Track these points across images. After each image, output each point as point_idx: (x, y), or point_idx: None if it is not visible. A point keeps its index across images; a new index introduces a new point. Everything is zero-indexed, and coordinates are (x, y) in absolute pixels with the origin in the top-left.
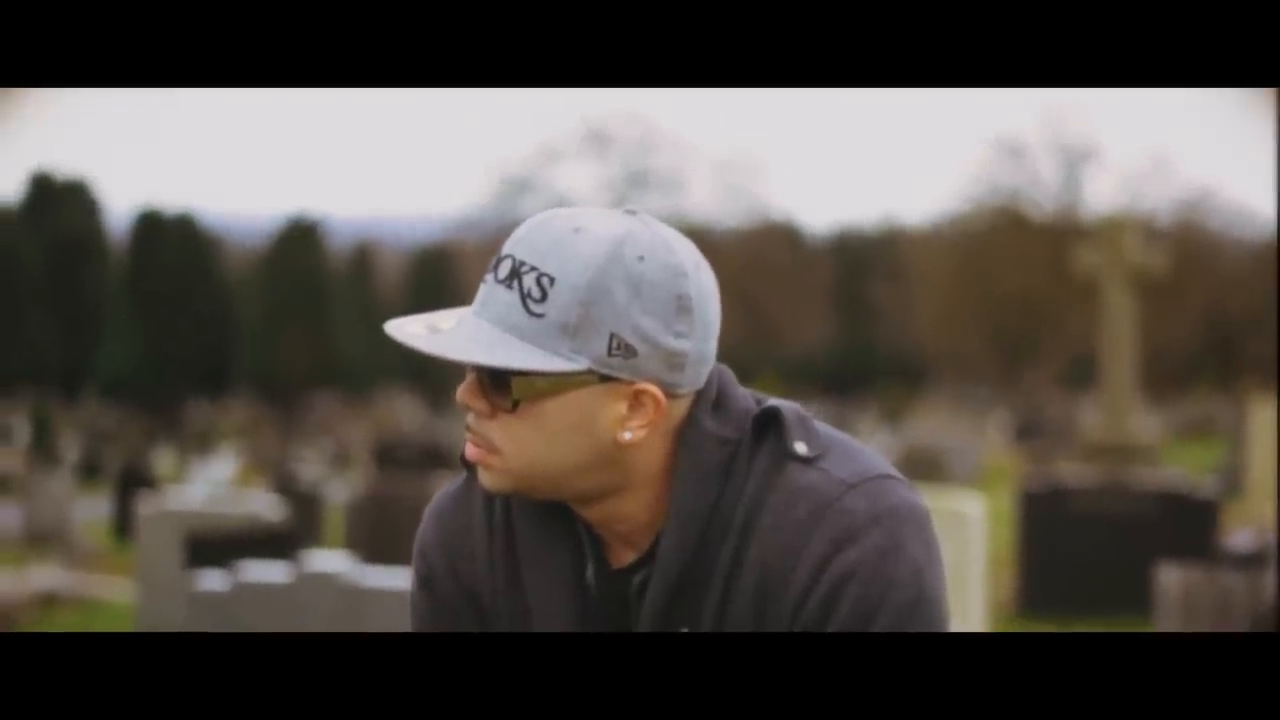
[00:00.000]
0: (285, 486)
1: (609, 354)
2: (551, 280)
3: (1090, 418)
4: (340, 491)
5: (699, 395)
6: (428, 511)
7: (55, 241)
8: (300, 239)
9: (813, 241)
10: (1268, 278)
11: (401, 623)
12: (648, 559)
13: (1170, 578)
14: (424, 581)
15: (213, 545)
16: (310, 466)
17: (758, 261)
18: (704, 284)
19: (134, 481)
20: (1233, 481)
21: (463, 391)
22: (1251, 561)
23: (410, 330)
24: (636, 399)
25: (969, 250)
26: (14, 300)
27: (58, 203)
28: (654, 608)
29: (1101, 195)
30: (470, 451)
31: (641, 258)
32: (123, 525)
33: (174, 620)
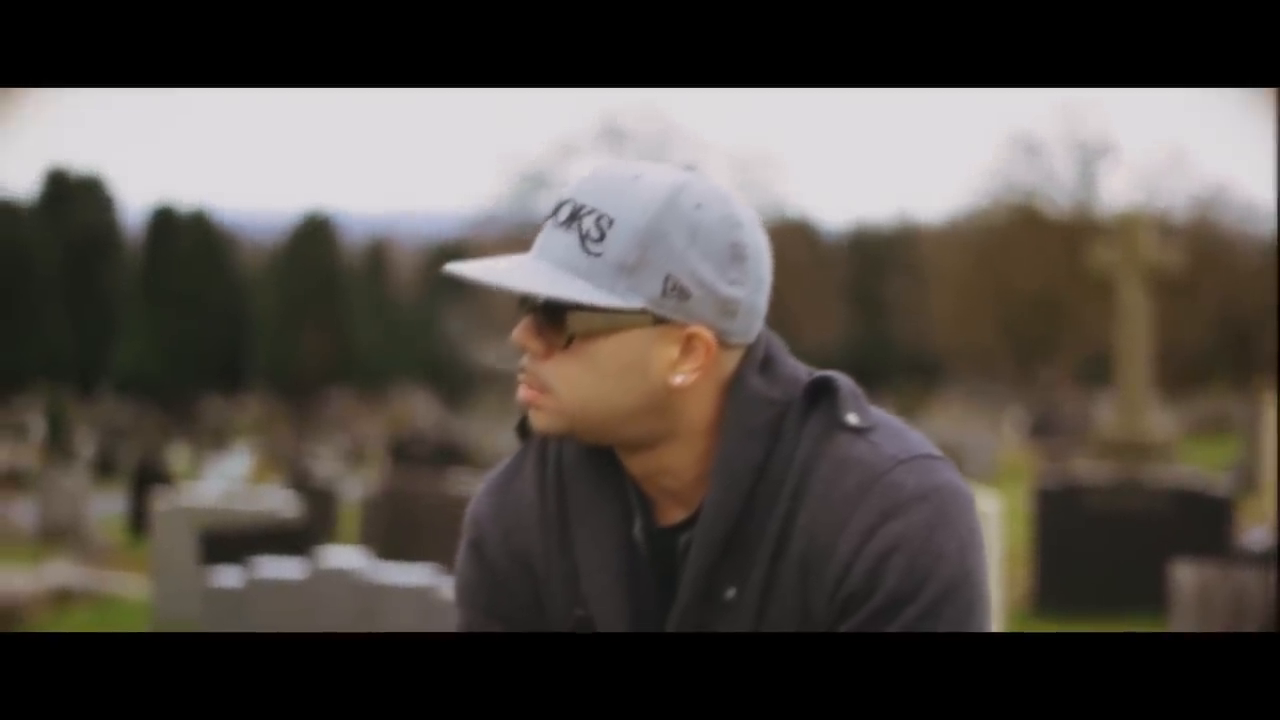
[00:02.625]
0: (300, 483)
1: (663, 295)
2: (610, 221)
3: (1105, 415)
4: (355, 488)
5: (748, 354)
6: (482, 485)
7: (71, 238)
8: (315, 235)
9: (829, 238)
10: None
11: (416, 620)
12: (695, 518)
13: (1185, 575)
14: (474, 545)
15: (228, 541)
16: (325, 463)
17: (774, 258)
18: (759, 238)
19: (149, 478)
20: (1248, 479)
21: (519, 332)
22: (1267, 559)
23: (468, 268)
24: (688, 343)
25: (984, 247)
26: (29, 296)
27: (73, 199)
28: (698, 566)
29: (1117, 192)
30: (523, 393)
31: (699, 205)
32: (138, 521)
33: (189, 617)
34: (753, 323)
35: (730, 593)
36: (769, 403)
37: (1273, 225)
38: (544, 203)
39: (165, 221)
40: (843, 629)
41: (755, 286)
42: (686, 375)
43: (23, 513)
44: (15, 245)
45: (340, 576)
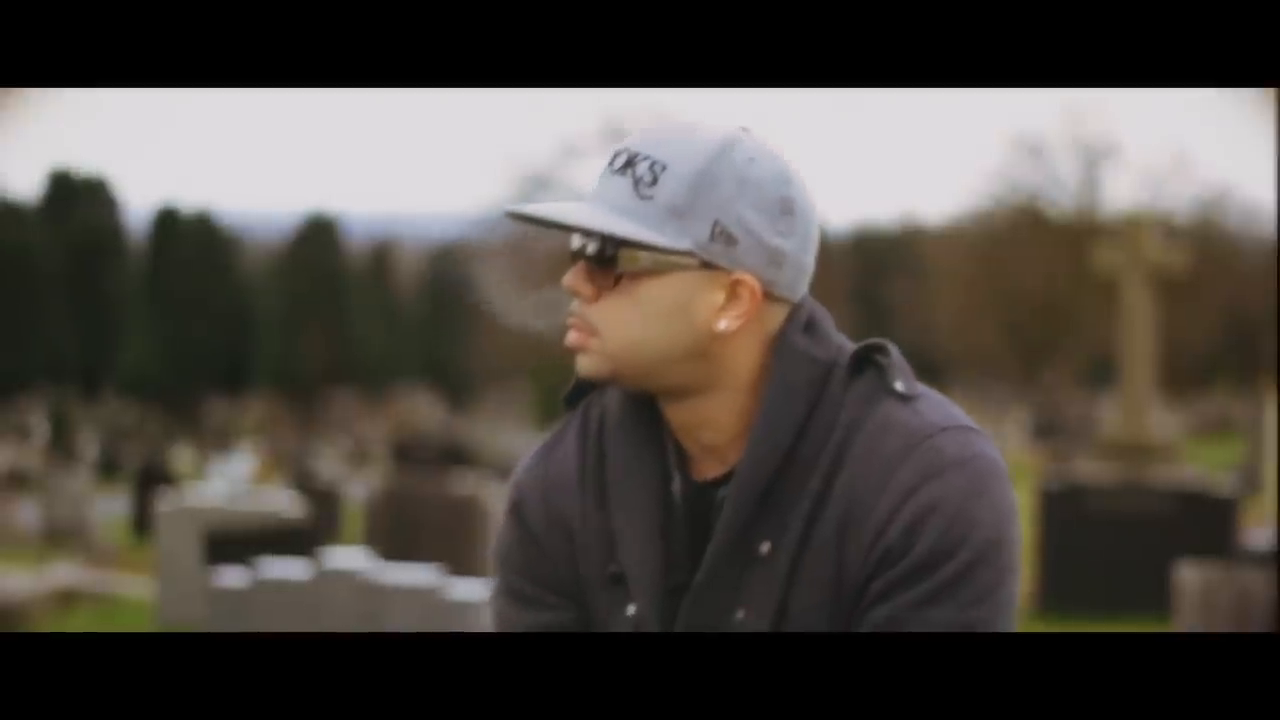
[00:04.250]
0: (304, 483)
1: (711, 239)
2: (664, 167)
3: (1109, 416)
4: (359, 489)
5: (793, 313)
6: (527, 455)
7: (74, 239)
8: (319, 236)
9: (831, 239)
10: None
11: (419, 620)
12: (734, 473)
13: (1189, 576)
14: (514, 508)
15: (232, 542)
16: (329, 463)
17: None
18: (809, 197)
19: (153, 478)
20: (1251, 479)
21: (570, 276)
22: (1270, 559)
23: (526, 207)
24: (734, 289)
25: (988, 248)
26: (33, 298)
27: (77, 200)
28: (733, 516)
29: (1120, 194)
30: (571, 337)
31: (751, 159)
32: (142, 522)
33: (193, 617)
34: (799, 279)
35: (764, 547)
36: (813, 361)
37: (1274, 226)
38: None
39: (169, 223)
40: (876, 585)
41: (802, 241)
42: (730, 321)
43: (26, 513)
44: (18, 246)
45: (344, 577)
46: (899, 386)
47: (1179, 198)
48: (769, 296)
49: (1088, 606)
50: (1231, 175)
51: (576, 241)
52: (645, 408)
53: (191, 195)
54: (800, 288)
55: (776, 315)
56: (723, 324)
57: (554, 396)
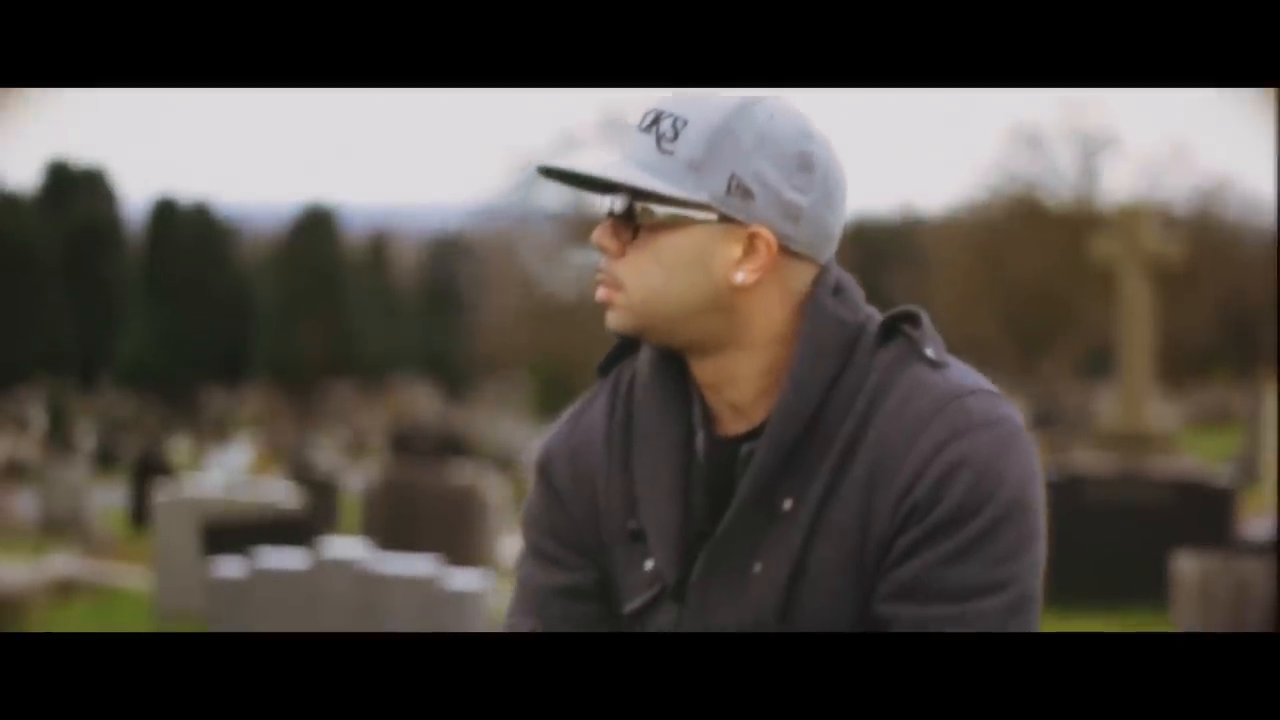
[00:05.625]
0: (302, 474)
1: (727, 193)
2: (685, 123)
3: (1107, 406)
4: (356, 479)
5: (821, 276)
6: (559, 420)
7: (72, 230)
8: (316, 227)
9: None
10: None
11: (418, 610)
12: (759, 431)
13: (1187, 566)
14: (541, 469)
15: (230, 533)
16: (326, 454)
17: None
18: (832, 156)
19: (150, 469)
20: (1249, 470)
21: (598, 232)
22: (1268, 549)
23: (557, 160)
24: (751, 243)
25: (986, 239)
26: (31, 288)
27: (75, 191)
28: (759, 471)
29: (1119, 184)
30: (600, 292)
31: (771, 116)
32: (139, 513)
33: (191, 608)
34: (818, 236)
35: (787, 504)
36: (841, 324)
37: (1274, 218)
38: (545, 195)
39: (166, 213)
40: (902, 542)
41: (822, 198)
42: (747, 274)
43: (24, 504)
44: (17, 237)
45: (342, 567)
46: (929, 353)
47: (1178, 188)
48: (786, 252)
49: (1086, 597)
50: (1230, 167)
51: (608, 202)
52: (673, 365)
53: (189, 186)
54: (822, 248)
55: (799, 274)
56: (740, 276)
57: (552, 388)
